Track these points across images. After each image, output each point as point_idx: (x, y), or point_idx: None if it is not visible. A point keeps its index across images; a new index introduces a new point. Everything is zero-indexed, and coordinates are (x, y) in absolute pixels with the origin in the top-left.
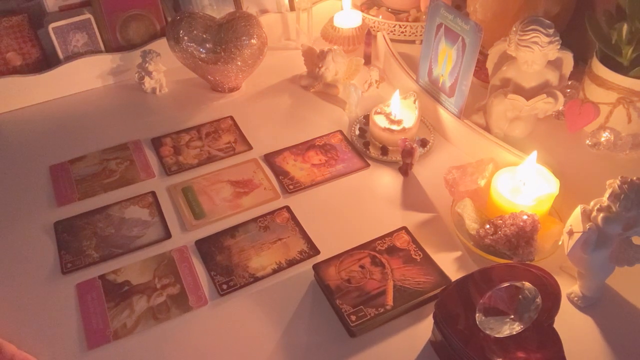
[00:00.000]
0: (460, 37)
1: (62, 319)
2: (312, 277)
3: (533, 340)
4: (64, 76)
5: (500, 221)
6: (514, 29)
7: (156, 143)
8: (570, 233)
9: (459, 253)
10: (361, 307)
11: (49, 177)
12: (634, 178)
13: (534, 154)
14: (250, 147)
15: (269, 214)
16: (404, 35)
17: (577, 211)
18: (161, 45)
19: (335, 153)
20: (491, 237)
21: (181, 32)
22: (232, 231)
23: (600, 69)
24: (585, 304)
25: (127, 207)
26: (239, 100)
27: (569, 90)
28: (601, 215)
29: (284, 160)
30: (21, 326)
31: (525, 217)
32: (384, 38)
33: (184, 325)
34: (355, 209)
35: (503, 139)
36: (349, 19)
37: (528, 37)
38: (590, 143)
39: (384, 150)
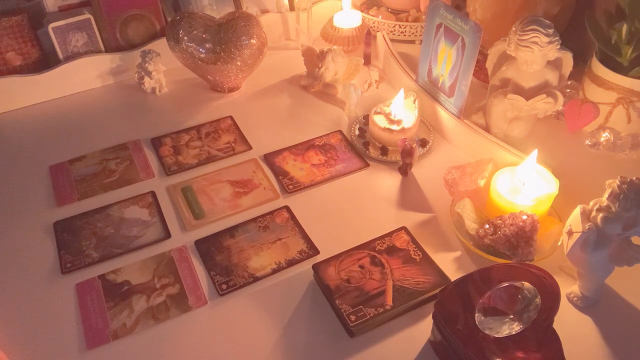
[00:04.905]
0: (460, 37)
1: (62, 319)
2: (311, 277)
3: (532, 341)
4: (64, 76)
5: (500, 221)
6: (514, 29)
7: (156, 143)
8: (570, 233)
9: (458, 253)
10: (360, 307)
11: (49, 177)
12: (634, 178)
13: (534, 153)
14: (249, 147)
15: (268, 214)
16: (404, 35)
17: (577, 211)
18: (161, 45)
19: (335, 153)
20: (490, 237)
21: (181, 32)
22: (231, 231)
23: (600, 69)
24: (585, 304)
25: (126, 207)
26: (238, 100)
27: (568, 90)
28: (601, 215)
29: (283, 160)
30: (21, 326)
31: (524, 217)
32: (384, 38)
33: (184, 325)
34: (354, 209)
35: (503, 139)
36: (349, 19)
37: (528, 37)
38: (589, 143)
39: (384, 150)
